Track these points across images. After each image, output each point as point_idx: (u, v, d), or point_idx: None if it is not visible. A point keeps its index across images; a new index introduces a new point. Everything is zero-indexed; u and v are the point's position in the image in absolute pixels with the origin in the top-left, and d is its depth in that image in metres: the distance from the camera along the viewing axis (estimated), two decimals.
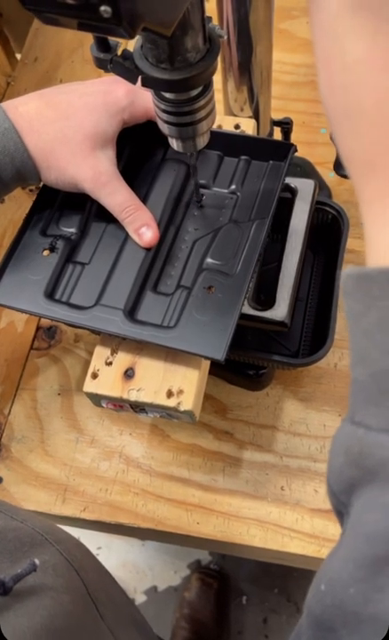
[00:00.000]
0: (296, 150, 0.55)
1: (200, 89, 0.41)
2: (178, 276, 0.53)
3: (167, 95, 0.41)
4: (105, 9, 0.26)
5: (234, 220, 0.54)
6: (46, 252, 0.54)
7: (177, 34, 0.35)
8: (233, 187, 0.56)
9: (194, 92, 0.41)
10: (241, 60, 0.56)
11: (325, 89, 0.26)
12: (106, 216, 0.55)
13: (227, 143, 0.57)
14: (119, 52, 0.40)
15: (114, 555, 1.35)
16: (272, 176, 0.56)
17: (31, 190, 0.83)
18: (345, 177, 0.52)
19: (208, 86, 0.42)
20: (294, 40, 0.91)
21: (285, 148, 0.55)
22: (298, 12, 0.93)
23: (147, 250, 0.54)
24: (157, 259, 0.54)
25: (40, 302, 0.52)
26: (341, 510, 0.29)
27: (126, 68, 0.39)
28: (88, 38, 1.00)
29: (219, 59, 0.46)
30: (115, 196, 0.53)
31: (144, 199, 0.55)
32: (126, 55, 0.39)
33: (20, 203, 0.81)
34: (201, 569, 1.33)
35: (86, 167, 0.51)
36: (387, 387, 0.24)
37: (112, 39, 0.39)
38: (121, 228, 0.55)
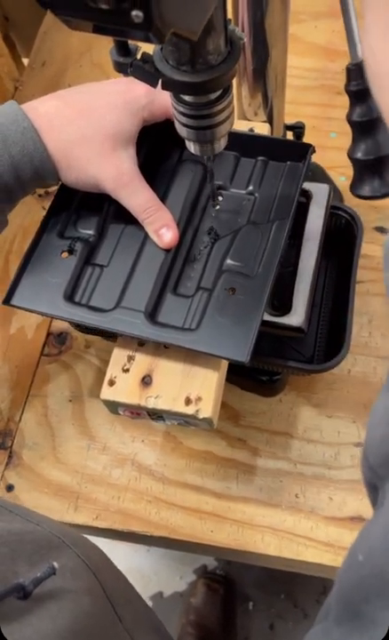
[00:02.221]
0: (314, 151, 0.54)
1: (219, 92, 0.41)
2: (197, 278, 0.53)
3: (186, 98, 0.41)
4: (136, 14, 0.26)
5: (252, 221, 0.54)
6: (64, 255, 0.54)
7: (200, 36, 0.35)
8: (250, 187, 0.56)
9: (214, 95, 0.41)
10: (256, 64, 0.56)
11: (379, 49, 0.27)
12: (123, 217, 0.54)
13: (245, 144, 0.56)
14: (138, 56, 0.39)
15: (119, 560, 1.33)
16: (290, 177, 0.55)
17: (40, 196, 0.82)
18: (361, 197, 0.52)
19: (227, 89, 0.42)
20: (302, 44, 0.90)
21: (303, 148, 0.54)
22: (306, 16, 0.93)
23: (167, 251, 0.53)
24: (177, 260, 0.53)
25: (60, 305, 0.51)
26: (376, 484, 0.29)
27: (146, 72, 0.39)
28: (96, 42, 1.00)
29: None
30: (137, 196, 0.52)
31: (162, 200, 0.55)
32: (146, 58, 0.39)
33: (29, 208, 0.81)
34: (206, 574, 1.32)
35: (108, 167, 0.51)
36: None
37: (132, 43, 0.39)
38: (139, 229, 0.54)
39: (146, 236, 0.54)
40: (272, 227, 0.53)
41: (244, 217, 0.54)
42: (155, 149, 0.58)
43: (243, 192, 0.56)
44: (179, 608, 1.30)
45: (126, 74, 0.40)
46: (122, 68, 0.40)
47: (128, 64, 0.39)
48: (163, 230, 0.53)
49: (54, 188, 0.57)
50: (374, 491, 0.30)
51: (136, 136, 0.53)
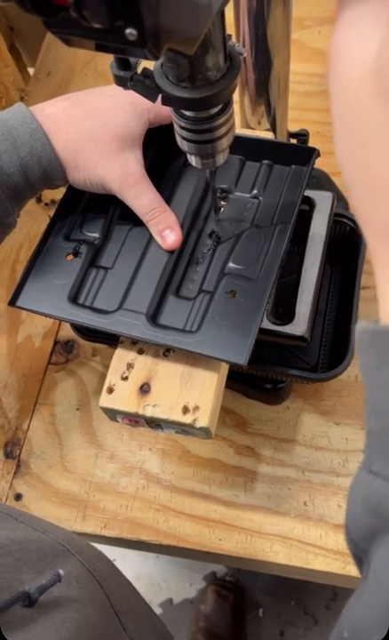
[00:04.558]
0: (318, 155, 0.54)
1: (220, 106, 0.41)
2: (200, 281, 0.53)
3: (187, 113, 0.41)
4: (130, 32, 0.26)
5: (256, 224, 0.54)
6: (70, 257, 0.55)
7: (198, 53, 0.35)
8: (255, 191, 0.56)
9: (215, 110, 0.41)
10: (258, 73, 0.56)
11: (344, 157, 0.26)
12: (128, 220, 0.55)
13: (249, 148, 0.57)
14: (139, 70, 0.39)
15: (128, 567, 1.34)
16: (294, 181, 0.55)
17: (46, 204, 0.83)
18: None
19: (228, 103, 0.42)
20: (306, 50, 0.91)
21: (307, 152, 0.55)
22: (310, 22, 0.93)
23: (170, 254, 0.54)
24: (180, 263, 0.54)
25: (64, 306, 0.52)
26: (361, 557, 0.28)
27: (146, 86, 0.39)
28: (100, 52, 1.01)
29: None
30: (142, 197, 0.53)
31: (167, 202, 0.55)
32: (146, 73, 0.39)
33: (35, 217, 0.81)
34: (216, 581, 1.32)
35: (115, 167, 0.51)
36: None
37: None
38: (143, 232, 0.55)
39: (151, 238, 0.55)
40: (274, 230, 0.53)
41: (248, 220, 0.55)
42: (162, 153, 0.58)
43: (248, 195, 0.56)
44: (189, 615, 1.30)
45: (126, 87, 0.40)
46: (122, 82, 0.40)
47: (128, 78, 0.39)
48: (167, 232, 0.53)
49: (60, 197, 0.58)
50: (359, 562, 0.30)
51: (142, 138, 0.54)
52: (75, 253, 0.55)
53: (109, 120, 0.51)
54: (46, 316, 0.53)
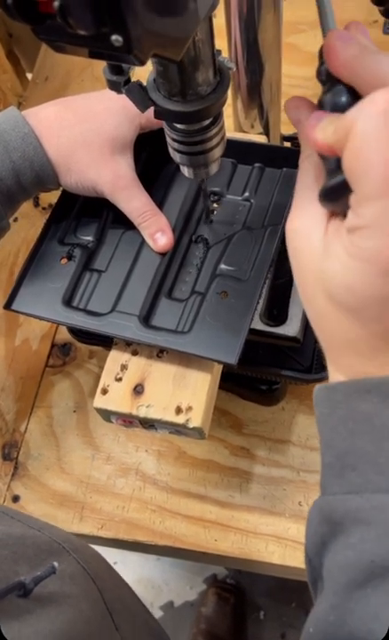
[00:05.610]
0: None
1: (212, 118, 0.42)
2: (192, 282, 0.54)
3: (179, 125, 0.42)
4: (116, 38, 0.27)
5: (247, 226, 0.55)
6: (64, 261, 0.55)
7: (188, 70, 0.36)
8: (246, 194, 0.57)
9: (206, 122, 0.42)
10: (250, 78, 0.57)
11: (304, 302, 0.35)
12: (121, 224, 0.56)
13: (241, 151, 0.57)
14: (132, 75, 0.40)
15: (129, 570, 1.34)
16: (285, 183, 0.56)
17: (43, 209, 0.84)
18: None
19: (219, 115, 0.42)
20: (301, 54, 0.91)
21: (298, 155, 0.55)
22: (305, 26, 0.94)
23: (162, 256, 0.54)
24: (172, 265, 0.54)
25: (58, 309, 0.53)
26: (316, 578, 0.34)
27: (138, 94, 0.40)
28: None
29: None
30: (133, 200, 0.53)
31: (159, 206, 0.56)
32: (141, 85, 0.40)
33: (33, 221, 0.82)
34: (217, 583, 1.32)
35: (106, 171, 0.52)
36: (347, 463, 0.31)
37: None
38: (136, 235, 0.55)
39: (143, 242, 0.55)
40: (265, 232, 0.54)
41: (239, 222, 0.55)
42: (154, 157, 0.59)
43: (239, 198, 0.57)
44: (190, 618, 1.30)
45: (119, 92, 0.41)
46: (114, 87, 0.40)
47: (121, 82, 0.40)
48: (158, 235, 0.54)
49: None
50: (314, 586, 0.35)
51: (133, 142, 0.55)
52: (70, 257, 0.55)
53: (101, 124, 0.52)
54: (41, 319, 0.53)
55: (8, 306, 0.54)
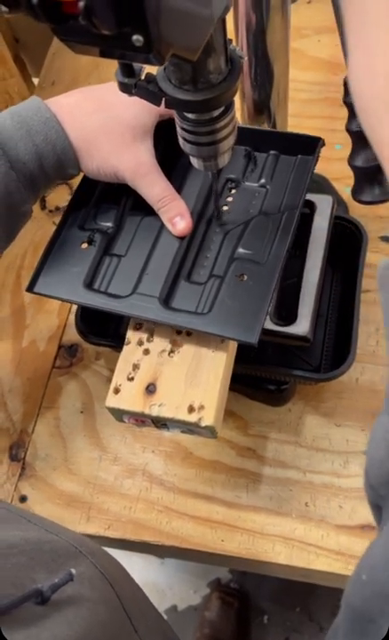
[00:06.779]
0: (323, 144, 0.56)
1: (222, 109, 0.42)
2: (210, 266, 0.55)
3: (190, 115, 0.42)
4: (137, 38, 0.27)
5: (264, 212, 0.56)
6: (85, 245, 0.57)
7: (200, 57, 0.36)
8: (262, 180, 0.58)
9: (217, 112, 0.42)
10: (258, 80, 0.57)
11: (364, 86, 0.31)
12: (140, 211, 0.57)
13: (257, 139, 0.59)
14: (143, 77, 0.41)
15: (133, 574, 1.33)
16: (300, 170, 0.57)
17: (51, 211, 0.84)
18: (362, 202, 0.53)
19: (229, 106, 0.43)
20: (306, 58, 0.92)
21: (313, 141, 0.56)
22: (309, 31, 0.94)
23: (181, 241, 0.56)
24: (190, 250, 0.56)
25: (79, 292, 0.54)
26: (379, 503, 0.30)
27: (150, 92, 0.40)
28: (103, 61, 1.02)
29: None
30: (154, 186, 0.55)
31: (178, 191, 0.57)
32: (149, 78, 0.40)
33: (41, 224, 0.83)
34: (221, 587, 1.31)
35: (128, 157, 0.53)
36: None
37: (136, 64, 0.40)
38: (155, 222, 0.57)
39: (162, 227, 0.57)
40: (282, 217, 0.55)
41: (256, 208, 0.57)
42: (173, 144, 0.60)
43: (256, 185, 0.58)
44: (194, 622, 1.29)
45: (130, 94, 0.41)
46: (126, 89, 0.41)
47: (132, 85, 0.40)
48: (177, 219, 0.55)
49: (65, 204, 0.59)
50: (378, 510, 0.31)
51: (153, 129, 0.56)
52: (90, 242, 0.57)
53: (121, 112, 0.53)
54: (63, 300, 0.55)
55: (30, 289, 0.55)
